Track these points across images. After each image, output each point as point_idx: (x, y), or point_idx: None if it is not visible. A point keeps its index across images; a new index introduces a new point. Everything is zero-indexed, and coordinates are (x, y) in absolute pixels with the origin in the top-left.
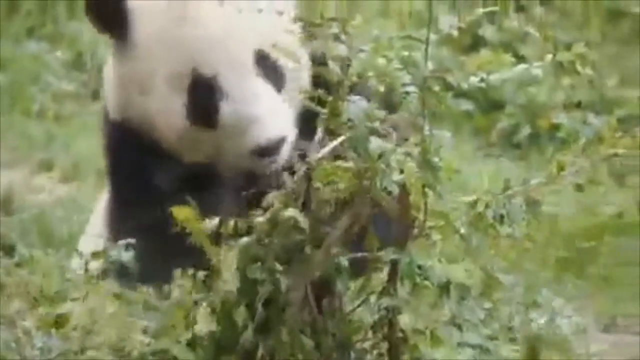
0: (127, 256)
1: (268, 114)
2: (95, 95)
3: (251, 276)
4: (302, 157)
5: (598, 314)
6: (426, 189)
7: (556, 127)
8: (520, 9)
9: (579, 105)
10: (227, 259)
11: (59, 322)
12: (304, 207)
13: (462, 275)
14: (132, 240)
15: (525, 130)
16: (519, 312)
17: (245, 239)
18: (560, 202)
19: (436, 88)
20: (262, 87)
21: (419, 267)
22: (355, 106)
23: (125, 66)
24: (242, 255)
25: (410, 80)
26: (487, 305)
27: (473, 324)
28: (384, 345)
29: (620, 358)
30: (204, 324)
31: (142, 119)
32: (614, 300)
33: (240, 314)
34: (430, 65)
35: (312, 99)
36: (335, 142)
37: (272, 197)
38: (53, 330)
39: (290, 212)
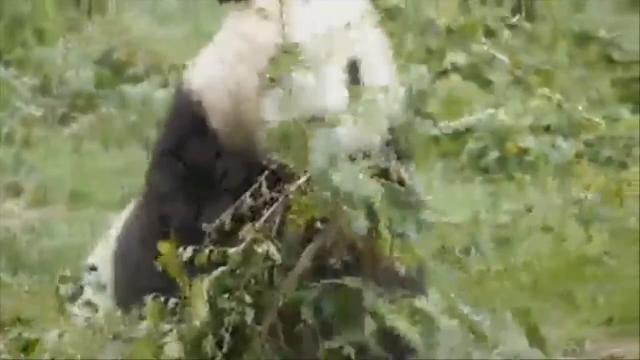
0: (94, 279)
1: None
2: (63, 120)
3: (222, 306)
4: (278, 190)
5: (567, 338)
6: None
7: (524, 151)
8: (489, 34)
9: (547, 129)
10: (199, 290)
11: (30, 346)
12: (279, 236)
13: (430, 309)
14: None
15: (494, 155)
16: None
17: (219, 270)
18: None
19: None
20: None
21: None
22: (319, 141)
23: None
24: (215, 285)
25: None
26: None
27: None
28: None
29: None
30: (173, 353)
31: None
32: (582, 324)
33: (209, 343)
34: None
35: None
36: (305, 177)
37: (246, 232)
38: (23, 355)
39: (265, 246)
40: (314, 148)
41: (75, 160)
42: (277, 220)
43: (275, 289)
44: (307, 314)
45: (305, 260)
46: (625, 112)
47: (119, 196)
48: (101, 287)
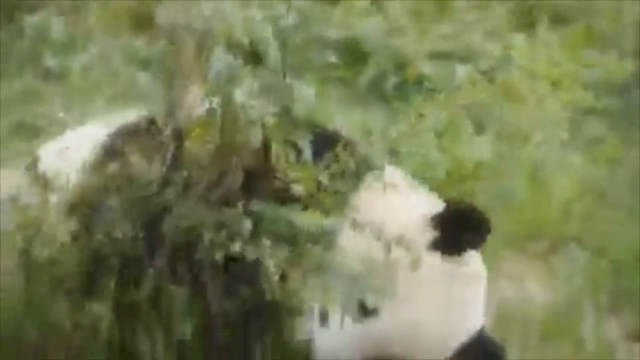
0: None
1: None
2: None
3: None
4: (171, 114)
5: None
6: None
7: (422, 77)
8: None
9: (445, 55)
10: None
11: None
12: (174, 165)
13: (327, 223)
14: None
15: (392, 80)
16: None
17: None
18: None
19: (297, 40)
20: None
21: (282, 219)
22: (218, 62)
23: None
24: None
25: (271, 34)
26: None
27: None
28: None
29: None
30: None
31: None
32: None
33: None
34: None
35: None
36: (206, 105)
37: (129, 149)
38: None
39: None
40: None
41: None
42: (172, 147)
43: (172, 215)
44: (206, 237)
45: (202, 185)
46: (519, 39)
47: (15, 123)
48: None
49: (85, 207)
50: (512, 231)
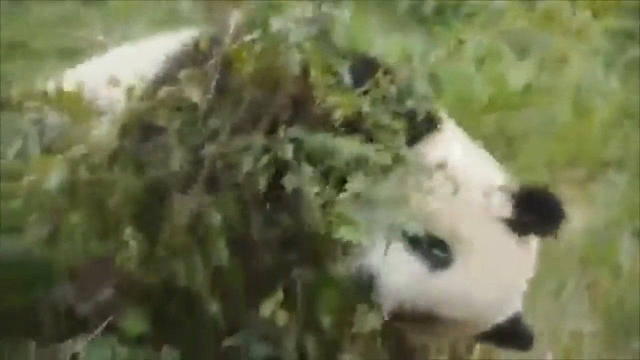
0: None
1: None
2: None
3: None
4: (216, 40)
5: None
6: (327, 67)
7: (462, 1)
8: None
9: None
10: None
11: None
12: (220, 91)
13: (370, 152)
14: None
15: (431, 4)
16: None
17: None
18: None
19: None
20: None
21: (321, 146)
22: None
23: None
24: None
25: None
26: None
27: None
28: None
29: None
30: None
31: None
32: (521, 170)
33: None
34: None
35: None
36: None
37: (182, 75)
38: None
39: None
40: None
41: (12, 10)
42: (216, 72)
43: (217, 140)
44: (247, 162)
45: (241, 113)
46: None
47: (56, 45)
48: None
49: (134, 131)
50: (551, 158)
